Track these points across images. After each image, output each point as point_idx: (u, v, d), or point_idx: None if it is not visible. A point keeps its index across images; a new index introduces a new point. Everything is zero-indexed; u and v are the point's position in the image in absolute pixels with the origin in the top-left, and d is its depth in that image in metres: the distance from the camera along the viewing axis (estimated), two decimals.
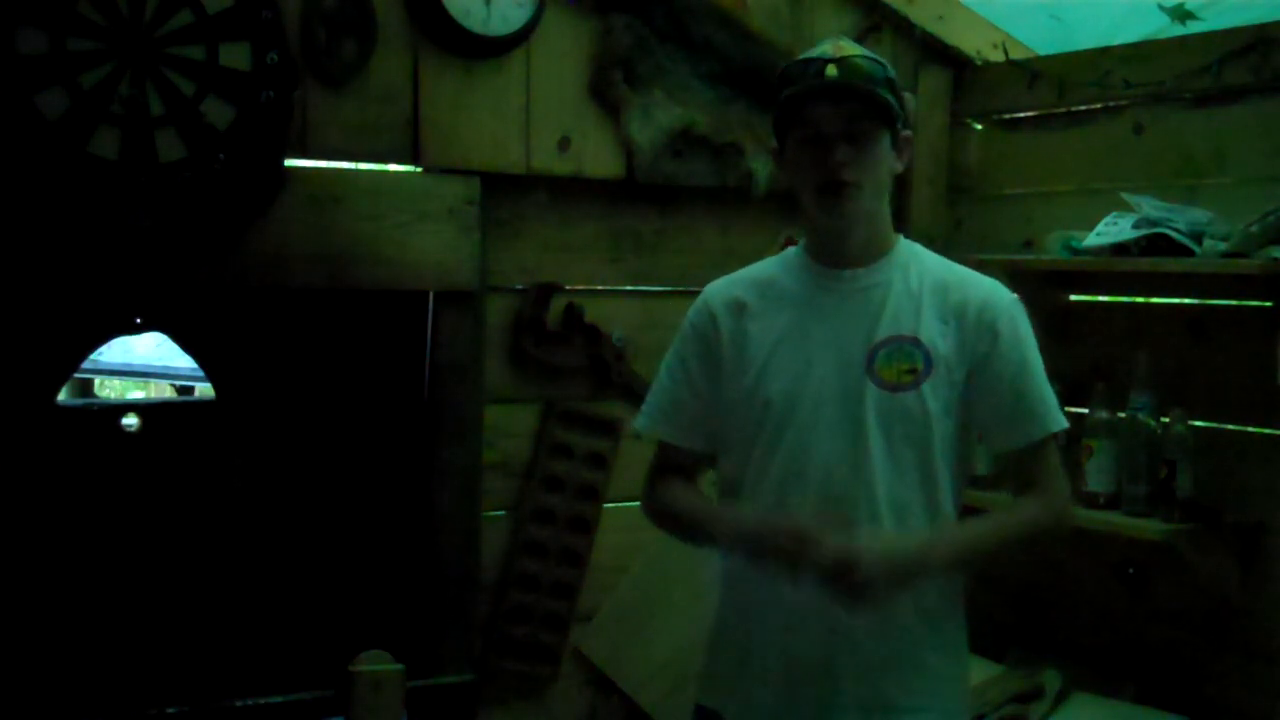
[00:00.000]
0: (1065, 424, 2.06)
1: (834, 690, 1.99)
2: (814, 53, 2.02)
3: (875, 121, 1.98)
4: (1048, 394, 2.05)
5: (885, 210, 2.08)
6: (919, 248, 2.13)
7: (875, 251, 2.06)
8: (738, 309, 2.11)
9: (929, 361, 2.00)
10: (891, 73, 2.03)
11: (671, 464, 2.20)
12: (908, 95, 3.46)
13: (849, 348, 2.02)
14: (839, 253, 2.07)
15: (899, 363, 1.99)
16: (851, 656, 1.99)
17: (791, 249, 2.17)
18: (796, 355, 2.04)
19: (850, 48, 2.01)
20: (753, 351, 2.07)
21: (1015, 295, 2.08)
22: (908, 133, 2.05)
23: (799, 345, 2.05)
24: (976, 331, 2.02)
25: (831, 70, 1.96)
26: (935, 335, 2.01)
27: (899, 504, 1.99)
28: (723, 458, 2.15)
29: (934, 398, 1.99)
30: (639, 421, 2.21)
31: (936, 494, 2.01)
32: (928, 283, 2.04)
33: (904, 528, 1.98)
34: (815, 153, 1.98)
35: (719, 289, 2.17)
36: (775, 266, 2.16)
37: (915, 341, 2.00)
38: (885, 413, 1.99)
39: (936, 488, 2.01)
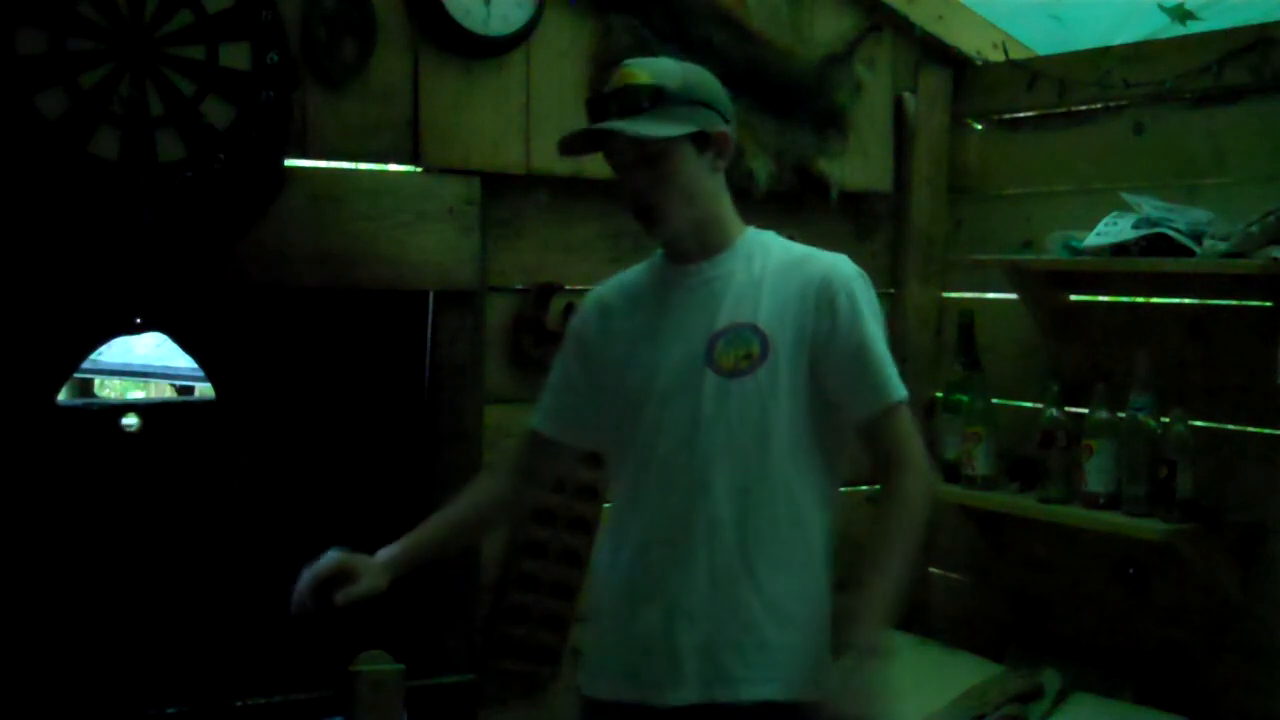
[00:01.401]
0: (905, 394, 2.09)
1: (676, 666, 2.05)
2: (607, 85, 2.10)
3: (663, 143, 2.04)
4: (888, 365, 2.08)
5: (719, 208, 2.14)
6: (768, 235, 2.18)
7: (715, 246, 2.13)
8: (604, 310, 2.23)
9: (765, 346, 2.05)
10: (685, 81, 2.08)
11: (523, 462, 2.32)
12: (907, 95, 3.48)
13: (692, 339, 2.09)
14: (680, 253, 2.15)
15: (737, 349, 2.06)
16: (692, 636, 2.05)
17: (658, 250, 2.23)
18: (649, 350, 2.13)
19: (633, 73, 2.07)
20: (616, 348, 2.18)
21: (859, 269, 2.12)
22: (723, 128, 2.10)
23: (651, 340, 2.13)
24: (817, 310, 2.06)
25: (613, 106, 2.05)
26: (774, 319, 2.06)
27: (738, 486, 2.04)
28: (607, 454, 2.27)
29: (770, 380, 2.04)
30: (534, 419, 2.30)
31: (780, 473, 2.05)
32: (770, 268, 2.10)
33: (743, 508, 2.04)
34: (621, 180, 2.10)
35: (595, 293, 2.29)
36: (643, 268, 2.25)
37: (753, 328, 2.06)
38: (722, 400, 2.05)
39: (780, 467, 2.05)
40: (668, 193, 2.07)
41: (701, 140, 2.08)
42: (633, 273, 2.27)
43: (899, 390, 2.08)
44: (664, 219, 2.09)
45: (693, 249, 2.13)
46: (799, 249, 2.16)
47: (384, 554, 2.21)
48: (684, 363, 2.08)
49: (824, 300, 2.06)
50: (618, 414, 2.16)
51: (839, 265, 2.11)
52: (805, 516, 2.08)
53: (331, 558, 2.15)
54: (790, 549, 2.08)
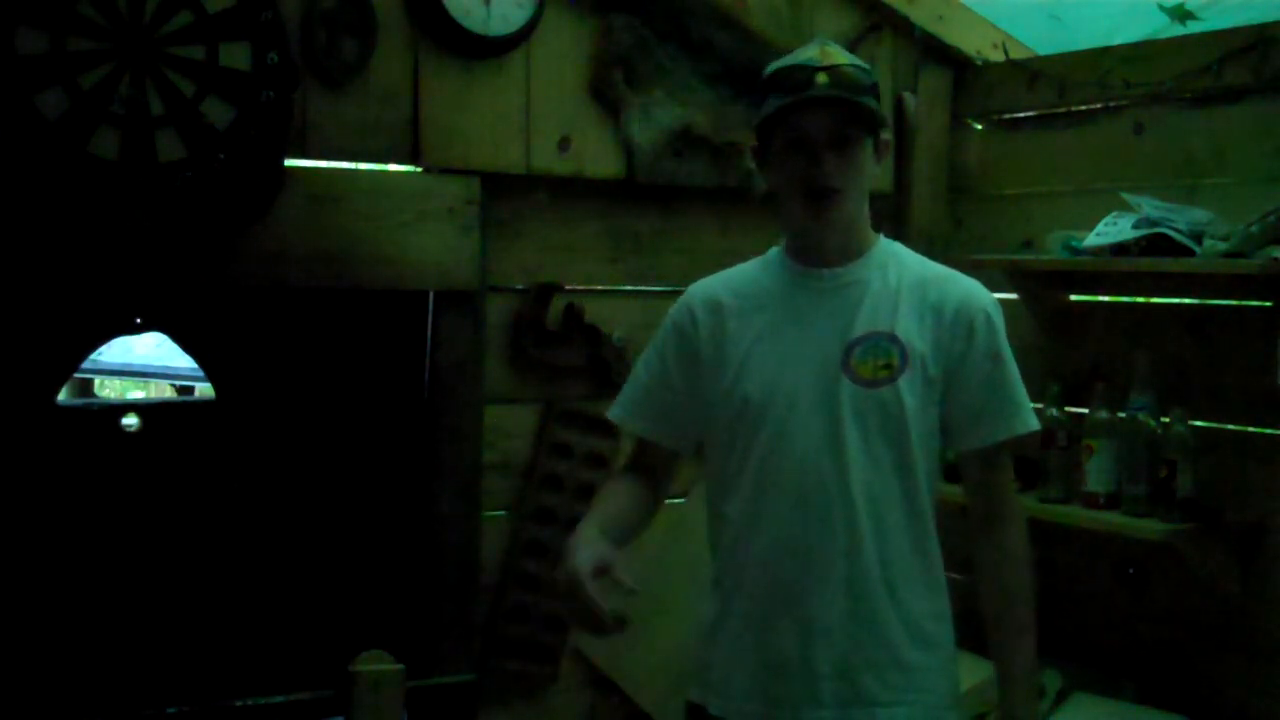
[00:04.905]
0: (1037, 426, 2.09)
1: (812, 686, 2.02)
2: (802, 58, 2.02)
3: (861, 130, 2.01)
4: (1021, 396, 2.07)
5: (865, 212, 2.10)
6: (899, 247, 2.15)
7: (853, 251, 2.08)
8: (716, 309, 2.14)
9: (905, 357, 2.01)
10: (875, 78, 2.06)
11: (640, 462, 2.23)
12: (907, 95, 3.48)
13: (826, 345, 2.04)
14: (818, 253, 2.09)
15: (875, 358, 2.01)
16: (829, 654, 2.01)
17: (773, 249, 2.18)
18: (774, 353, 2.06)
19: (837, 54, 2.03)
20: (731, 350, 2.10)
21: (994, 297, 2.10)
22: (887, 137, 2.08)
23: (776, 343, 2.07)
24: (953, 329, 2.04)
25: (822, 78, 1.98)
26: (912, 332, 2.03)
27: (874, 497, 2.01)
28: (708, 456, 2.18)
29: (910, 393, 2.01)
30: (614, 410, 2.24)
31: (914, 488, 2.03)
32: (906, 281, 2.06)
33: (880, 521, 2.01)
34: (802, 158, 2.00)
35: (700, 289, 2.20)
36: (756, 267, 2.19)
37: (892, 338, 2.02)
38: (861, 408, 2.00)
39: (914, 482, 2.03)
40: (852, 180, 2.01)
41: (875, 140, 2.05)
42: (743, 271, 2.19)
43: (1026, 423, 2.06)
44: (842, 204, 2.02)
45: (835, 249, 2.07)
46: (936, 266, 2.13)
47: (590, 531, 2.00)
48: (817, 370, 2.02)
49: (962, 321, 2.04)
50: (727, 419, 2.08)
51: (980, 290, 2.09)
52: (931, 534, 2.07)
53: (587, 558, 1.91)
54: (923, 567, 2.06)
